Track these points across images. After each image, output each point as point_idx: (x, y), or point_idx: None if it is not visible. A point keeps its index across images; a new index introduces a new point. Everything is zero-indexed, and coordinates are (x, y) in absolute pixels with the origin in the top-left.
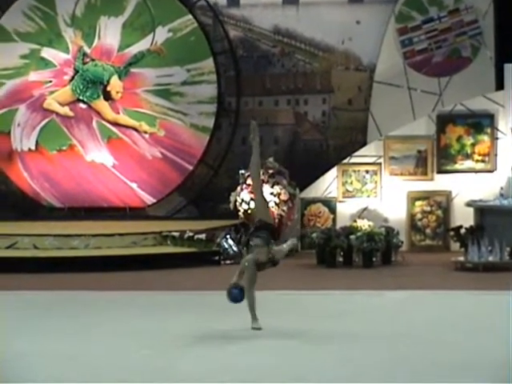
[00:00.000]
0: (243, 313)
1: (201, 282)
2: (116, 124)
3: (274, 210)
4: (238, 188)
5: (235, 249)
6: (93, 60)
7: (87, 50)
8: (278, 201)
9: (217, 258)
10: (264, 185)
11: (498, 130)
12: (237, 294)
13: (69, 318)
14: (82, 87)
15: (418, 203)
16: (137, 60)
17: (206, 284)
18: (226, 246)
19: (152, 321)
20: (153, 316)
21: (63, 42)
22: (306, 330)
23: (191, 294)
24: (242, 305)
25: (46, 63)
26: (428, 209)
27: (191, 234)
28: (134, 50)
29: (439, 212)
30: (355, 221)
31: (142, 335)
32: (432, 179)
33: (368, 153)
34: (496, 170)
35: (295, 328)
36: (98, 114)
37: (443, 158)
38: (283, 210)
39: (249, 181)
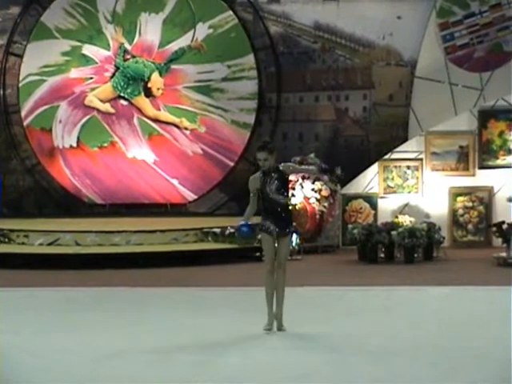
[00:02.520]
0: (287, 308)
1: (242, 278)
2: (157, 120)
3: (315, 206)
4: None
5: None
6: (133, 57)
7: (128, 46)
8: (319, 197)
9: (258, 254)
10: (305, 180)
11: None
12: (246, 231)
13: (110, 315)
14: (122, 84)
15: (459, 199)
16: (177, 56)
17: (246, 280)
18: None
19: (193, 317)
20: (193, 312)
21: (104, 39)
22: (347, 326)
23: (232, 291)
24: (288, 302)
25: (86, 60)
26: (470, 204)
27: (232, 230)
28: (175, 46)
29: (481, 207)
30: (396, 217)
31: (184, 331)
32: (474, 175)
33: (409, 148)
34: None
35: (336, 324)
36: (139, 110)
37: (485, 154)
38: (324, 206)
39: (290, 177)
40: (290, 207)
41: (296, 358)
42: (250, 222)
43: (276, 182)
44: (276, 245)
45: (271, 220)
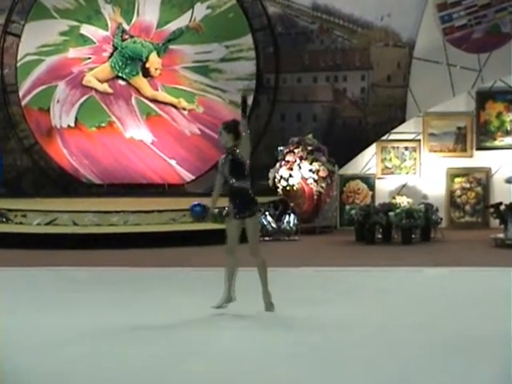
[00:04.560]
0: (284, 289)
1: (239, 258)
2: (155, 101)
3: (313, 186)
4: (277, 165)
5: (274, 225)
6: (132, 37)
7: (126, 26)
8: (316, 177)
9: None
10: (303, 161)
11: None
12: (198, 211)
13: (107, 294)
14: (121, 64)
15: (457, 180)
16: (175, 37)
17: (244, 260)
18: (265, 222)
19: (190, 297)
20: (190, 292)
21: (102, 19)
22: (341, 307)
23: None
24: (284, 282)
25: (84, 40)
26: (467, 185)
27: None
28: (173, 26)
29: (478, 189)
30: (394, 197)
31: (180, 311)
32: (471, 156)
33: (407, 129)
34: None
35: (330, 306)
36: (137, 90)
37: (483, 135)
38: (322, 187)
39: (288, 157)
40: (248, 190)
41: (282, 339)
42: (203, 203)
43: (229, 163)
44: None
45: (231, 203)
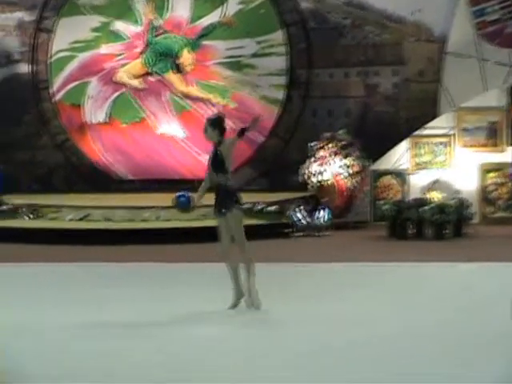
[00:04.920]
0: (315, 284)
1: (271, 253)
2: (187, 96)
3: (345, 182)
4: (309, 160)
5: (305, 221)
6: (164, 32)
7: (159, 22)
8: (349, 173)
9: (287, 229)
10: (335, 157)
11: None
12: (182, 201)
13: (139, 289)
14: (153, 60)
15: (490, 175)
16: (208, 32)
17: (276, 256)
18: (296, 218)
19: (221, 291)
20: (221, 287)
21: (134, 15)
22: (373, 302)
23: (262, 266)
24: (316, 278)
25: (117, 36)
26: (500, 181)
27: (262, 206)
28: (205, 22)
29: (511, 184)
30: (426, 193)
31: (211, 305)
32: (504, 151)
33: (440, 124)
34: None
35: (362, 300)
36: (170, 86)
37: None
38: (354, 182)
39: (319, 153)
40: (225, 185)
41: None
42: (188, 194)
43: (211, 158)
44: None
45: (215, 199)
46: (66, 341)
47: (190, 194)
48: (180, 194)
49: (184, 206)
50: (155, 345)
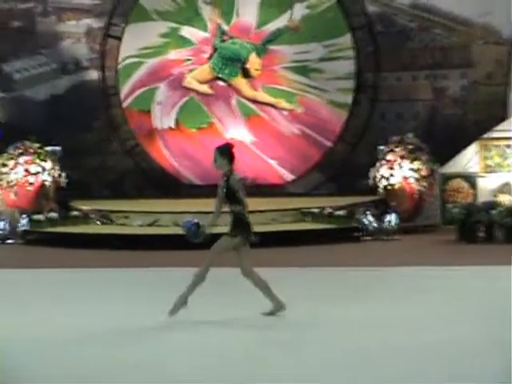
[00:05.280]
0: (383, 288)
1: (340, 258)
2: (255, 101)
3: (414, 185)
4: (377, 164)
5: (375, 225)
6: (231, 38)
7: (226, 27)
8: (418, 176)
9: (356, 234)
10: (404, 160)
11: None
12: (189, 228)
13: (207, 294)
14: (221, 65)
15: None
16: (275, 37)
17: (345, 260)
18: (365, 222)
19: (290, 298)
20: (290, 293)
21: (202, 21)
22: (446, 305)
23: (330, 270)
24: (384, 282)
25: (185, 42)
26: None
27: (330, 210)
28: (272, 27)
29: None
30: (496, 196)
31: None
32: None
33: (509, 127)
34: None
35: (436, 304)
36: (237, 91)
37: None
38: (423, 186)
39: (388, 157)
40: (236, 214)
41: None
42: (197, 221)
43: (225, 188)
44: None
45: (231, 224)
46: (143, 341)
47: (198, 222)
48: (189, 222)
49: (191, 234)
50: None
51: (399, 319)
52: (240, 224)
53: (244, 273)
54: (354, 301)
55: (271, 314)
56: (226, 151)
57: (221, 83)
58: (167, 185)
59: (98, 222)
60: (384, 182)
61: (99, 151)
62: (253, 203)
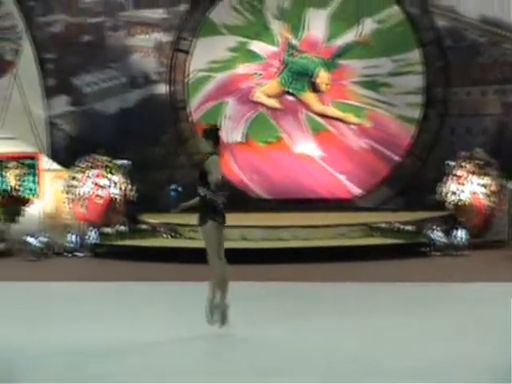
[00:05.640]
0: (452, 304)
1: (408, 273)
2: (324, 116)
3: (484, 201)
4: (446, 179)
5: (444, 240)
6: (300, 52)
7: (295, 42)
8: (487, 192)
9: (424, 249)
10: (473, 176)
11: None
12: (172, 195)
13: (276, 310)
14: (290, 80)
15: None
16: (344, 52)
17: (413, 275)
18: (434, 237)
19: (357, 312)
20: (361, 308)
21: (271, 35)
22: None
23: (399, 286)
24: (455, 298)
25: (253, 56)
26: None
27: (399, 225)
28: (341, 41)
29: None
30: None
31: (347, 327)
32: None
33: None
34: None
35: (505, 320)
36: (306, 106)
37: None
38: (493, 201)
39: (457, 172)
40: (204, 198)
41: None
42: (180, 189)
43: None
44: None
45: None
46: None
47: (181, 190)
48: (173, 187)
49: (172, 199)
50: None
51: (468, 334)
52: (208, 209)
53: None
54: (421, 316)
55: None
56: (211, 133)
57: (289, 98)
58: (235, 199)
59: (167, 236)
60: (453, 198)
61: (167, 165)
62: (321, 218)
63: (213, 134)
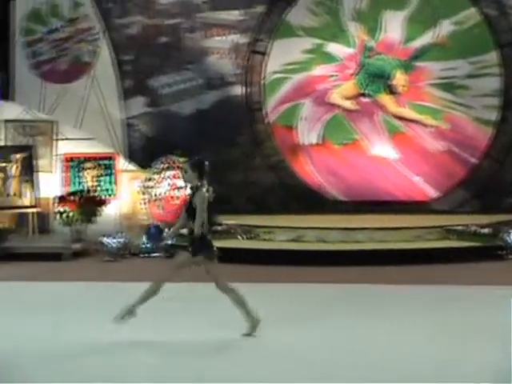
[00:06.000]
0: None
1: (484, 276)
2: (400, 118)
3: None
4: None
5: None
6: (378, 54)
7: (372, 44)
8: None
9: (501, 252)
10: None
11: None
12: (152, 233)
13: (352, 312)
14: (366, 81)
15: None
16: (421, 54)
17: (489, 279)
18: (511, 240)
19: (434, 315)
20: (437, 311)
21: (347, 36)
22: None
23: (475, 289)
24: None
25: (330, 57)
26: None
27: (475, 228)
28: (418, 43)
29: None
30: None
31: (424, 330)
32: None
33: None
34: None
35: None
36: (382, 108)
37: None
38: None
39: None
40: (191, 232)
41: None
42: (160, 226)
43: (188, 202)
44: None
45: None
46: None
47: (161, 227)
48: (154, 224)
49: (152, 237)
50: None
51: None
52: (200, 243)
53: (219, 287)
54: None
55: None
56: (197, 165)
57: (365, 99)
58: (311, 200)
59: (242, 237)
60: None
61: (242, 166)
62: (397, 220)
63: (199, 166)
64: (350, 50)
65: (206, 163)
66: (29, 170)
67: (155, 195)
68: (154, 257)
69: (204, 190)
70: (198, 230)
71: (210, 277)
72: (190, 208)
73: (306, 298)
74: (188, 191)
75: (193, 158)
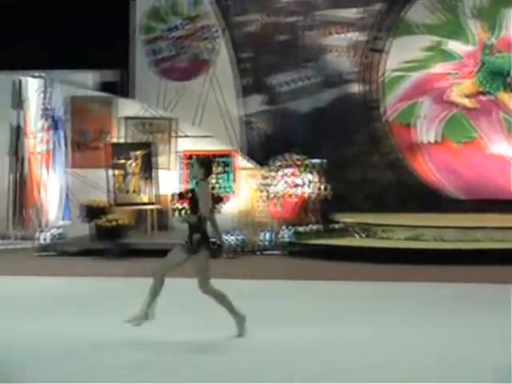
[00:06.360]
0: None
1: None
2: None
3: None
4: None
5: None
6: (498, 52)
7: (492, 41)
8: None
9: None
10: None
11: None
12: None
13: (470, 311)
14: (487, 79)
15: None
16: None
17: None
18: None
19: None
20: None
21: (466, 34)
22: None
23: None
24: None
25: (449, 55)
26: None
27: None
28: None
29: None
30: None
31: None
32: None
33: None
34: None
35: None
36: (502, 106)
37: None
38: None
39: None
40: (191, 226)
41: None
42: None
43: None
44: None
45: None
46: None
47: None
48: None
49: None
50: None
51: None
52: (201, 237)
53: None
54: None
55: None
56: (205, 162)
57: (485, 97)
58: (429, 199)
59: (359, 235)
60: None
61: (360, 164)
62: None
63: (207, 164)
64: (468, 48)
65: (214, 164)
66: (148, 167)
67: (273, 193)
68: (271, 254)
69: (205, 181)
70: (205, 213)
71: (197, 274)
72: (192, 199)
73: (424, 297)
74: (309, 189)
75: (312, 156)
